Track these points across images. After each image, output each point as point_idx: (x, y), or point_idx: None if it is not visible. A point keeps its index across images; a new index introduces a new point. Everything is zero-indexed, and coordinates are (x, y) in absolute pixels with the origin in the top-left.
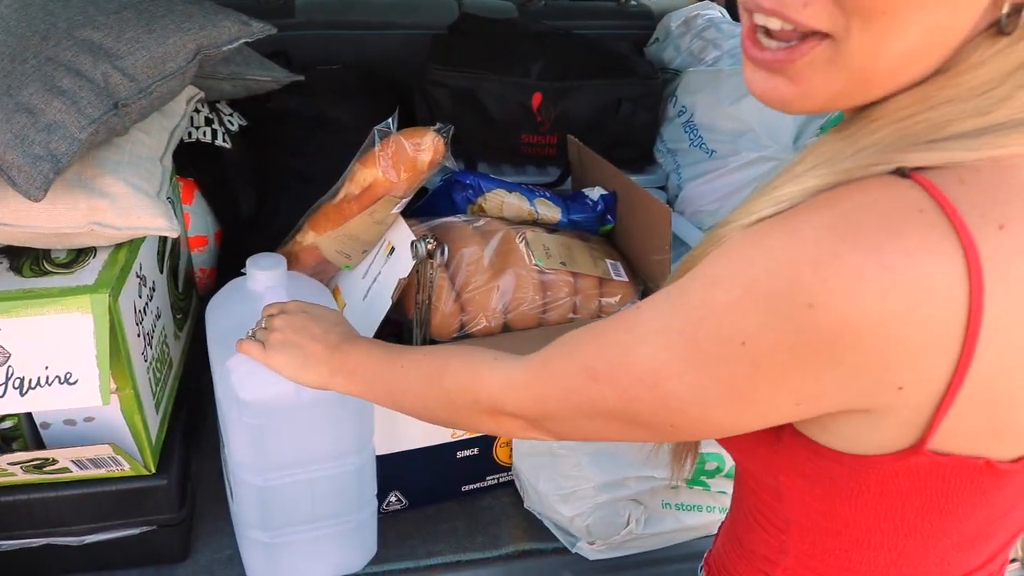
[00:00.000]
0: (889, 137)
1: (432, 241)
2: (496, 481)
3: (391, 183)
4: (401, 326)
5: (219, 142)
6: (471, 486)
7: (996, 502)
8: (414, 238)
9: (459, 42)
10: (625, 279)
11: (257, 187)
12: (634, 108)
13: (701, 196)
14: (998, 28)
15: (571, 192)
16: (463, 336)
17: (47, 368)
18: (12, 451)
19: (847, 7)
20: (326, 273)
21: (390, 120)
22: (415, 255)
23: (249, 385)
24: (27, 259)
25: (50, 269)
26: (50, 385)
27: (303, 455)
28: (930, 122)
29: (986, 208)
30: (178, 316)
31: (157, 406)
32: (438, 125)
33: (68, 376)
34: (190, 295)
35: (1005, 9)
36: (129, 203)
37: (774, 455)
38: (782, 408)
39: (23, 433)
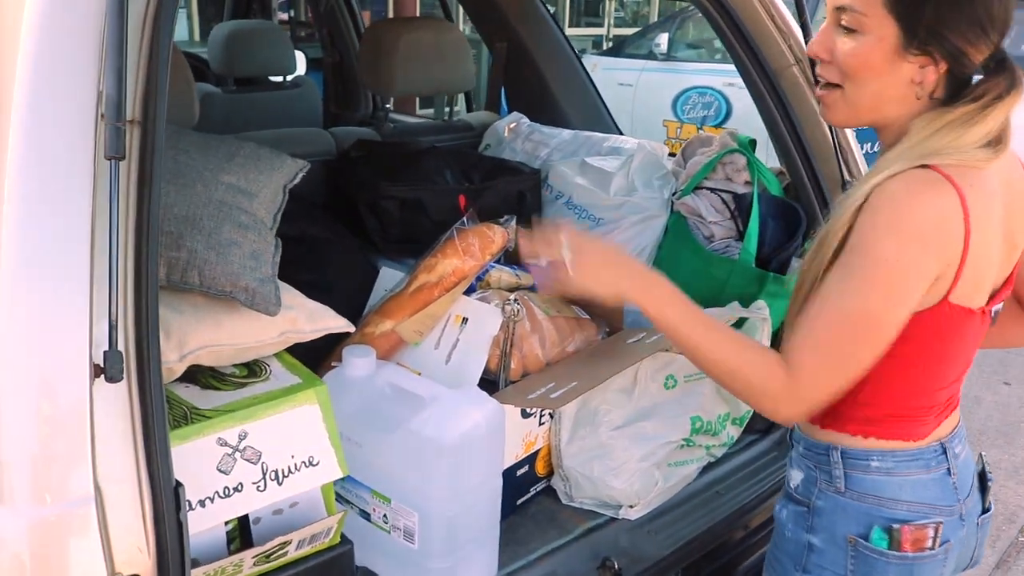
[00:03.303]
0: (912, 152)
1: (514, 303)
2: (535, 492)
3: (473, 265)
4: None
5: None
6: (522, 499)
7: (968, 337)
8: (496, 303)
9: (387, 163)
10: (588, 318)
11: None
12: (529, 197)
13: None
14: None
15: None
16: (524, 375)
17: (293, 457)
18: (231, 552)
19: (842, 73)
20: (391, 355)
21: (464, 219)
22: (505, 315)
23: (448, 427)
24: (204, 376)
25: (242, 381)
26: (299, 471)
27: (478, 479)
28: (931, 146)
29: (966, 179)
30: None
31: None
32: (504, 218)
33: (311, 459)
34: None
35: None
36: (312, 309)
37: None
38: (915, 293)
39: (238, 533)
